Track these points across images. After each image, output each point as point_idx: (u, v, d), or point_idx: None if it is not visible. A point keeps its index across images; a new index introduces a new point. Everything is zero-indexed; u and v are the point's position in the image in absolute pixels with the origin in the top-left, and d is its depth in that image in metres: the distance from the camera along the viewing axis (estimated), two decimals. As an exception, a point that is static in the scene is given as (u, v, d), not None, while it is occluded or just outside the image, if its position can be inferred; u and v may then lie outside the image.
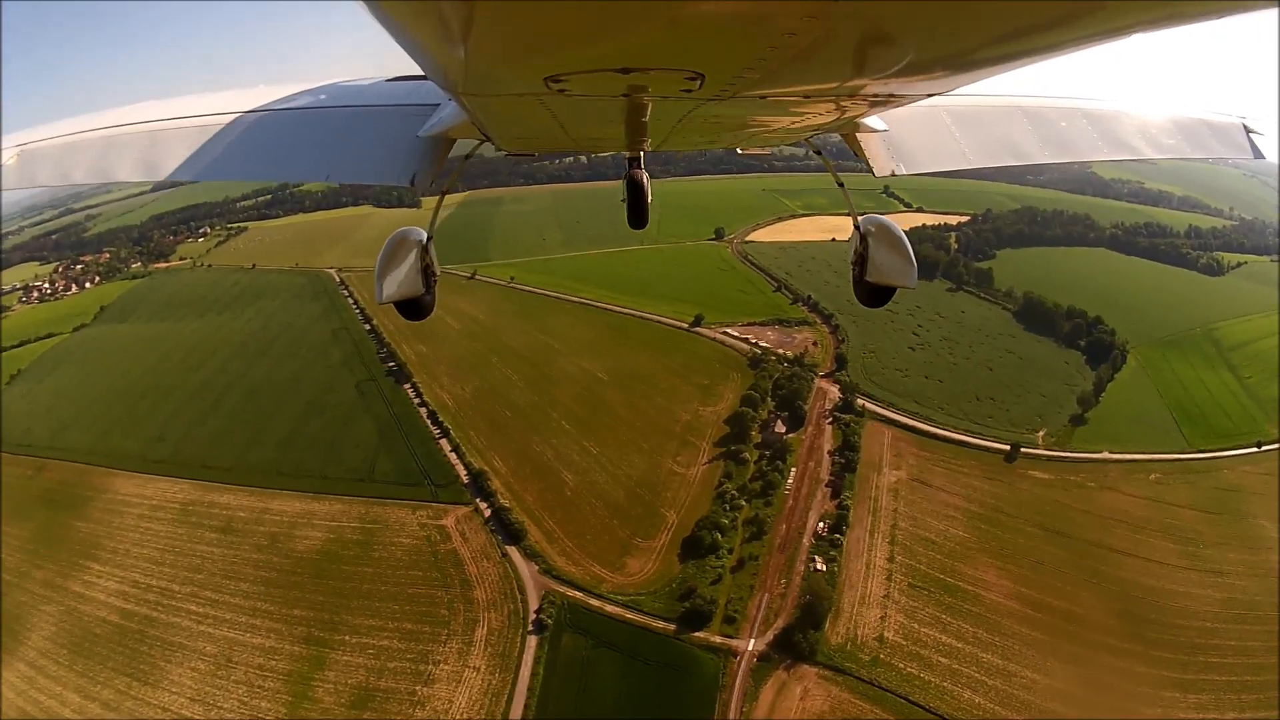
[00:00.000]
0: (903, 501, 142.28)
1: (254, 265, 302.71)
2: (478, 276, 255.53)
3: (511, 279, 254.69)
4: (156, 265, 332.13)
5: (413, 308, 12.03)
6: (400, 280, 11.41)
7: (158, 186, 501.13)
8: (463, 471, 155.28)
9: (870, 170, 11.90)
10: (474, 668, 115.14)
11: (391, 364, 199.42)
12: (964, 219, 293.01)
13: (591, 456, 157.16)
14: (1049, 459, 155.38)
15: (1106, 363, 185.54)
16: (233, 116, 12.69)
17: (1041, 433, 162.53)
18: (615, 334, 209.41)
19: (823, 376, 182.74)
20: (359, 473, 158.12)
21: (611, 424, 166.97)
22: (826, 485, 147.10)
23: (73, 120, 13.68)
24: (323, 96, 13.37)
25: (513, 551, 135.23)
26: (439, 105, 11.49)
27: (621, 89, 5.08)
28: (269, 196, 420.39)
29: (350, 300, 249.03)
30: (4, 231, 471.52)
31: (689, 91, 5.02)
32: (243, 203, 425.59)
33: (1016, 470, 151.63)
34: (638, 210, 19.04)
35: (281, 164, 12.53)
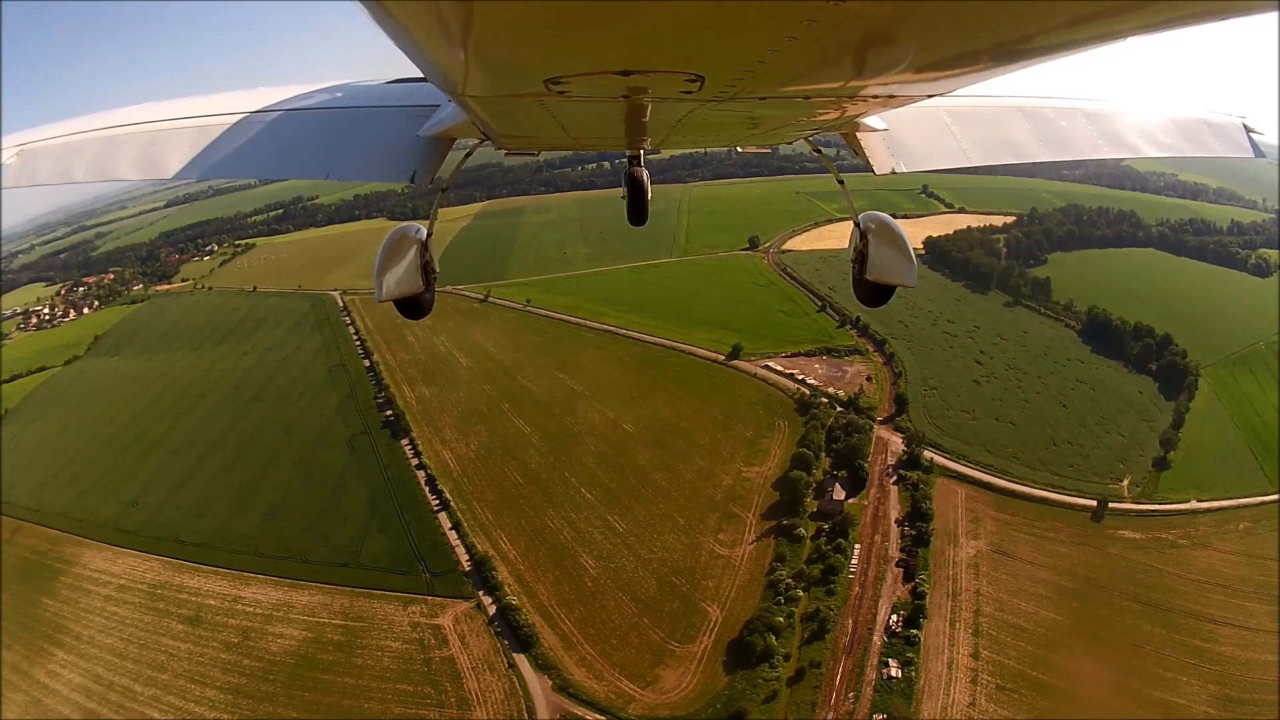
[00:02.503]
0: (985, 580, 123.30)
1: (255, 288, 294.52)
2: (491, 298, 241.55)
3: (528, 301, 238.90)
4: (158, 287, 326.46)
5: (412, 305, 11.85)
6: (399, 278, 11.15)
7: (171, 202, 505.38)
8: (464, 556, 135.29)
9: (870, 169, 11.72)
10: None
11: (389, 413, 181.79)
12: (1009, 219, 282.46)
13: (617, 535, 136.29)
14: (1137, 514, 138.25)
15: (1183, 392, 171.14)
16: (233, 117, 12.53)
17: (1126, 481, 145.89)
18: (645, 371, 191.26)
19: (882, 422, 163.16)
20: (345, 555, 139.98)
21: (641, 491, 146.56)
22: (897, 565, 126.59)
23: (74, 120, 13.63)
24: (323, 97, 13.23)
25: (521, 661, 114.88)
26: (439, 105, 11.39)
27: (622, 91, 5.12)
28: (280, 211, 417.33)
29: (352, 329, 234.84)
30: (16, 250, 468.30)
31: (689, 93, 5.05)
32: (254, 218, 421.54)
33: (1105, 530, 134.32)
34: (638, 208, 18.16)
35: (282, 163, 12.37)
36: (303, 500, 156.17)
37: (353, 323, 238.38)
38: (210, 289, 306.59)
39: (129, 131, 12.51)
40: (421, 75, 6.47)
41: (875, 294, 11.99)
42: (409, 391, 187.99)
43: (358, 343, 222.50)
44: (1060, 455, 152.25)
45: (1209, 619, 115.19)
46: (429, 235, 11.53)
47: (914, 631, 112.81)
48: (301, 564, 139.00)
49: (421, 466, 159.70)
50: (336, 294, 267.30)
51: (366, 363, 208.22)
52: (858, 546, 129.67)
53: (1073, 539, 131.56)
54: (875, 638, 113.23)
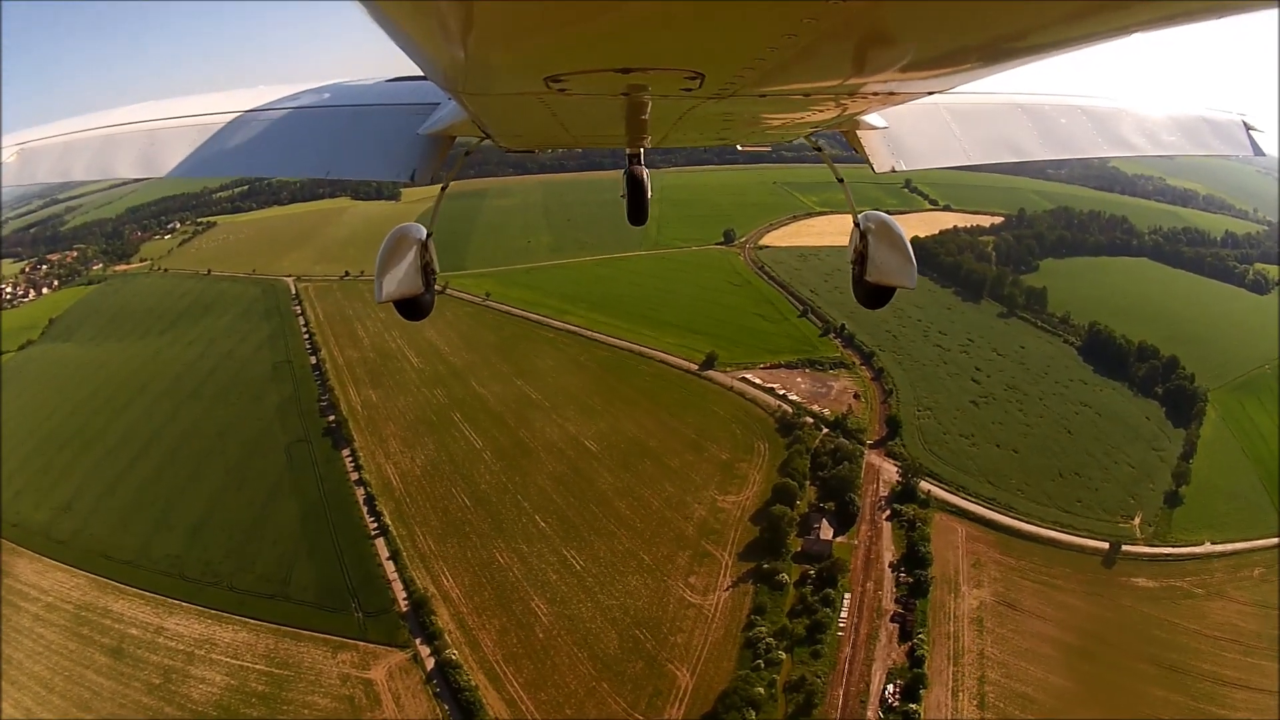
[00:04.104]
0: (990, 638, 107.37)
1: (209, 271, 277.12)
2: (449, 290, 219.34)
3: (487, 295, 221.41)
4: (117, 268, 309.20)
5: (412, 307, 11.54)
6: (400, 279, 10.76)
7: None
8: (401, 593, 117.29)
9: (870, 166, 11.36)
10: None
11: (331, 418, 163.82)
12: (997, 220, 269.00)
13: (574, 575, 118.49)
14: (1150, 558, 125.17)
15: (1193, 420, 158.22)
16: (234, 115, 12.33)
17: (1138, 519, 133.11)
18: (610, 379, 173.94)
19: (872, 446, 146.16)
20: (272, 584, 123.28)
21: (602, 522, 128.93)
22: (892, 619, 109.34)
23: (74, 120, 13.38)
24: (323, 96, 13.05)
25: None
26: (439, 104, 11.23)
27: (621, 88, 5.15)
28: (245, 187, 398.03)
29: (301, 319, 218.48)
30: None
31: (689, 90, 5.07)
32: (219, 194, 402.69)
33: (1117, 578, 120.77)
34: (638, 207, 17.42)
35: (283, 161, 12.34)
36: (232, 515, 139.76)
37: (303, 312, 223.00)
38: (166, 271, 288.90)
39: (129, 130, 12.11)
40: (421, 73, 6.20)
41: (875, 296, 11.78)
42: (355, 394, 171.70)
43: (306, 336, 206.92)
44: (1067, 488, 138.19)
45: (1225, 681, 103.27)
46: (429, 235, 11.08)
47: (913, 706, 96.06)
48: (227, 592, 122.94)
49: (361, 482, 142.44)
50: (290, 280, 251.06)
51: (313, 359, 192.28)
52: (848, 597, 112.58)
53: (1084, 588, 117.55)
54: (869, 712, 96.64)
